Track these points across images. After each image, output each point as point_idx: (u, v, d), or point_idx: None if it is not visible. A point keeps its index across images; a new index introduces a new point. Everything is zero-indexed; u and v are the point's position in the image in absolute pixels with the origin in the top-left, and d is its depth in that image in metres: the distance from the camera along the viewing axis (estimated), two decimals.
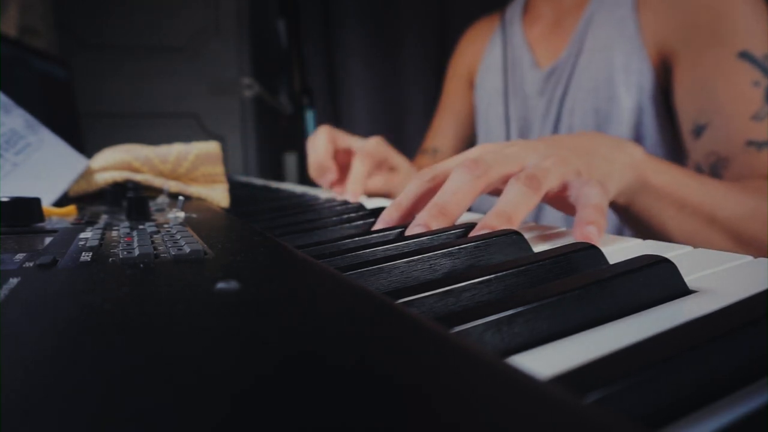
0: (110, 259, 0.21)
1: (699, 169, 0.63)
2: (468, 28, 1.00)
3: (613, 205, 0.45)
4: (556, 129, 0.77)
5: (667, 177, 0.44)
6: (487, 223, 0.30)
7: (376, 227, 0.36)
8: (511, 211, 0.31)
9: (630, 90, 0.68)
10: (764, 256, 0.23)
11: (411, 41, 1.59)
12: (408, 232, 0.31)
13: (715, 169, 0.61)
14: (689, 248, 0.25)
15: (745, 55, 0.58)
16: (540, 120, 0.80)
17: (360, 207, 0.47)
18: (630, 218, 0.47)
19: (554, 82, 0.77)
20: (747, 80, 0.58)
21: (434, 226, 0.31)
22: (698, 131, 0.62)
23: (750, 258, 0.23)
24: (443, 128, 0.99)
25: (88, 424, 0.08)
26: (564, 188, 0.34)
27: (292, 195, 0.69)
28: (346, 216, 0.40)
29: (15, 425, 0.08)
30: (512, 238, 0.26)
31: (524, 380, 0.10)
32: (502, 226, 0.29)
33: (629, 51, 0.68)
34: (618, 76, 0.69)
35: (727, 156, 0.60)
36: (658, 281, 0.19)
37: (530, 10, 0.85)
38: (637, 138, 0.69)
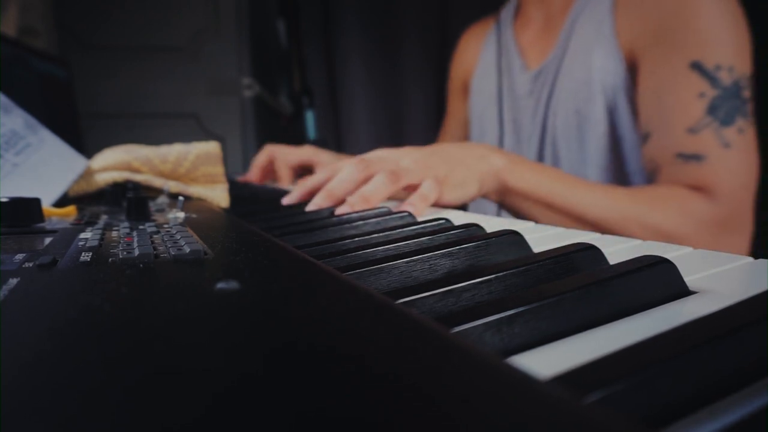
0: (110, 259, 0.21)
1: (644, 174, 0.63)
2: (464, 33, 1.00)
3: (492, 199, 0.54)
4: (543, 129, 0.77)
5: (530, 182, 0.52)
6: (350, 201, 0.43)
7: (309, 209, 0.46)
8: (369, 194, 0.43)
9: (606, 91, 0.68)
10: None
11: (411, 41, 1.59)
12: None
13: (651, 177, 0.62)
14: (689, 249, 0.25)
15: (696, 66, 0.58)
16: (529, 120, 0.80)
17: None
18: (507, 210, 0.56)
19: (541, 82, 0.77)
20: (694, 91, 0.57)
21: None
22: (644, 138, 0.63)
23: (750, 259, 0.23)
24: (449, 136, 1.01)
25: (87, 424, 0.08)
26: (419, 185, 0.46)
27: None
28: (345, 216, 0.40)
29: (15, 425, 0.08)
30: (512, 238, 0.26)
31: (524, 380, 0.10)
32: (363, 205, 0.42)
33: (606, 52, 0.67)
34: (596, 76, 0.68)
35: (660, 165, 0.60)
36: (658, 282, 0.19)
37: (521, 14, 0.85)
38: (615, 138, 0.69)
